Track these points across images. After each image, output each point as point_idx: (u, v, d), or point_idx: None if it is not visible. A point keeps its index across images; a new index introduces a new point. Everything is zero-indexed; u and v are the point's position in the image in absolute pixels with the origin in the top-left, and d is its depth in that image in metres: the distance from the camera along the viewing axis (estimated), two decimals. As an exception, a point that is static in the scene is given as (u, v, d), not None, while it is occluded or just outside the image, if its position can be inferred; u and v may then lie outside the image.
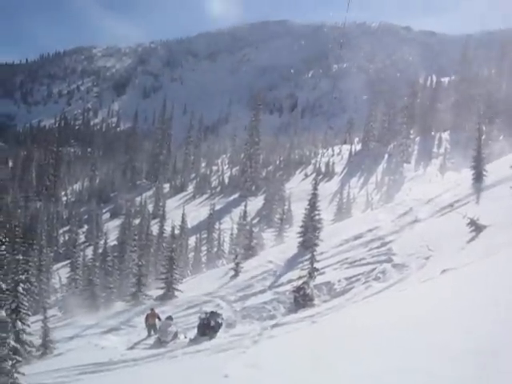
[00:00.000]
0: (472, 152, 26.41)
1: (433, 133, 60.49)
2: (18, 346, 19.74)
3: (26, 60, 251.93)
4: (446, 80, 74.07)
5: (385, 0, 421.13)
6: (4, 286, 20.44)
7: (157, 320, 19.67)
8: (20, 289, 21.35)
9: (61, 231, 58.10)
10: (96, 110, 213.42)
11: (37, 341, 20.87)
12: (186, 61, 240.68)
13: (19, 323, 21.05)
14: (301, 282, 18.68)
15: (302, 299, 17.58)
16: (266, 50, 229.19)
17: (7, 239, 23.98)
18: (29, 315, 21.79)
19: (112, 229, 54.78)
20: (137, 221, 50.60)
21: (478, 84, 57.75)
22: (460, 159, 38.28)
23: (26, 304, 21.83)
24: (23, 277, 22.95)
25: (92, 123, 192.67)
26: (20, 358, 17.99)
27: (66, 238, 55.17)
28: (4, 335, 20.08)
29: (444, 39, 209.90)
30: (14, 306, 21.09)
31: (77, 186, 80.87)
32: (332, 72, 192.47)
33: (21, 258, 24.19)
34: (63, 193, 79.31)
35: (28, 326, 21.44)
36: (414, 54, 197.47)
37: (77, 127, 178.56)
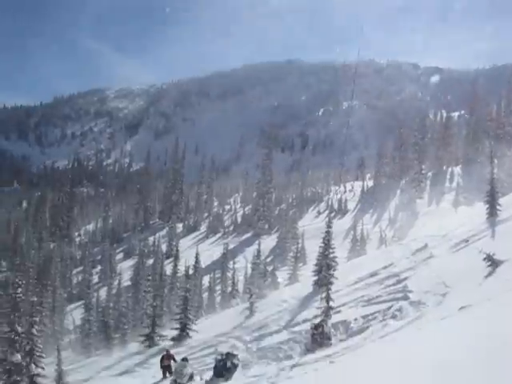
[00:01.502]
0: (485, 186, 26.35)
1: (444, 167, 60.34)
2: (33, 389, 19.66)
3: (41, 103, 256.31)
4: (455, 115, 74.45)
5: (392, 38, 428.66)
6: (20, 328, 20.45)
7: (172, 361, 19.39)
8: (34, 331, 21.30)
9: (74, 272, 58.03)
10: (109, 150, 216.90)
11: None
12: (197, 101, 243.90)
13: (33, 366, 20.93)
14: (318, 319, 18.48)
15: (319, 337, 17.33)
16: (277, 89, 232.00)
17: (23, 281, 24.04)
18: (43, 357, 21.66)
19: (125, 269, 54.57)
20: (150, 261, 50.39)
21: (488, 118, 57.78)
22: (473, 193, 38.08)
23: (41, 346, 21.72)
24: (37, 318, 22.94)
25: (105, 164, 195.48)
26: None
27: (80, 278, 55.02)
28: (18, 379, 20.04)
29: (451, 75, 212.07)
30: (28, 348, 21.01)
31: (90, 227, 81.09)
32: (342, 109, 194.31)
33: (35, 299, 24.24)
34: (77, 233, 79.65)
35: (42, 368, 21.29)
36: (423, 90, 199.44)
37: (90, 168, 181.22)
